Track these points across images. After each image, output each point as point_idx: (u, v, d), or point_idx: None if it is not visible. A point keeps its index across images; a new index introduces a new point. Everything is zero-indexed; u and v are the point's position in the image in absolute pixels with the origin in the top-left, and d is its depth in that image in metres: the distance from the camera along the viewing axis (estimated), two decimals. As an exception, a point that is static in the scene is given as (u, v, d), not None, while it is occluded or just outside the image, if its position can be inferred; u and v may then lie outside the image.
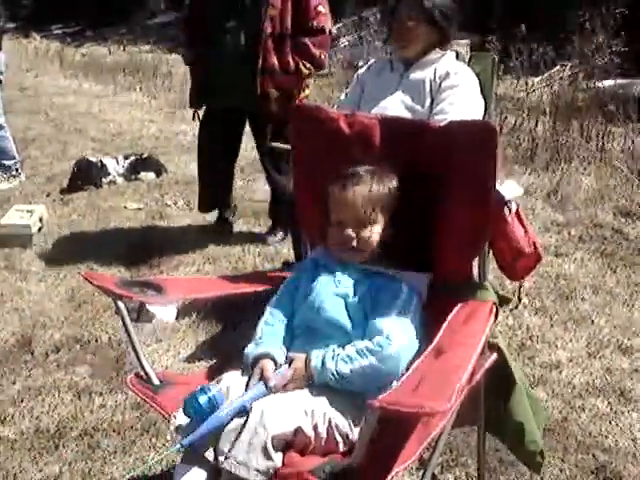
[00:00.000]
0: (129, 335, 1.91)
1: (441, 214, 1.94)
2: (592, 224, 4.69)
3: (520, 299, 3.66)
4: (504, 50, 7.32)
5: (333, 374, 1.78)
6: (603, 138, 6.15)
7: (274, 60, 4.08)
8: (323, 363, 1.80)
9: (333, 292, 1.95)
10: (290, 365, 1.84)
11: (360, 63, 7.55)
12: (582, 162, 5.89)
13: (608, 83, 7.20)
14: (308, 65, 4.12)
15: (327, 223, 2.03)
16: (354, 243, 1.96)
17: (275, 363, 1.87)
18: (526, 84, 7.40)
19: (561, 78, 7.72)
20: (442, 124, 1.94)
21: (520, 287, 3.65)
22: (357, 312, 1.91)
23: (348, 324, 1.90)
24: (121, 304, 1.88)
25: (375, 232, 1.96)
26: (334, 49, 9.63)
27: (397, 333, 1.81)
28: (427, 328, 1.87)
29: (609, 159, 5.89)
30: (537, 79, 7.89)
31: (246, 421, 1.66)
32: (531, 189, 5.27)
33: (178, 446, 1.68)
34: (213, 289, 2.24)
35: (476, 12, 8.19)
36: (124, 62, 12.02)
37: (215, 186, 4.67)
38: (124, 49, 14.26)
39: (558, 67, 7.89)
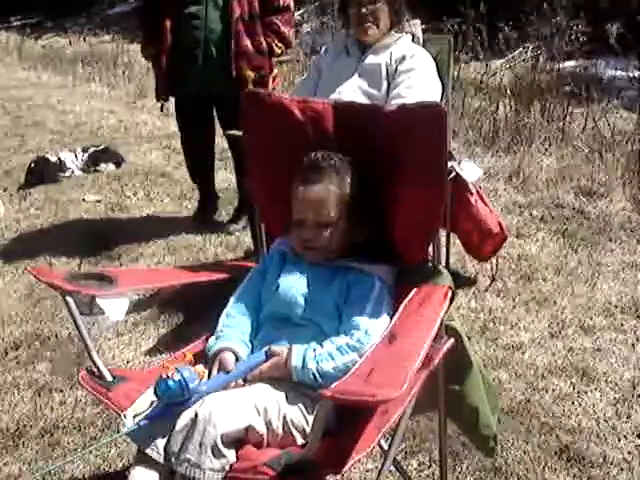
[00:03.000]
0: (79, 330, 1.86)
1: (395, 198, 1.91)
2: (553, 204, 4.70)
3: (494, 278, 3.67)
4: (464, 32, 7.31)
5: (314, 374, 1.75)
6: (564, 119, 6.17)
7: (247, 42, 4.03)
8: (304, 363, 1.77)
9: (304, 287, 1.92)
10: (267, 358, 1.80)
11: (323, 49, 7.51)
12: (543, 143, 5.90)
13: (570, 64, 7.23)
14: (280, 44, 4.11)
15: (287, 214, 1.99)
16: (313, 244, 1.93)
17: (236, 357, 1.84)
18: (486, 66, 7.40)
19: (523, 60, 7.73)
20: (393, 108, 1.91)
21: (497, 265, 3.67)
22: (330, 308, 1.88)
23: (320, 319, 1.87)
24: (70, 299, 1.84)
25: (337, 231, 1.93)
26: (297, 36, 9.56)
27: (375, 327, 1.79)
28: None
29: (570, 140, 5.91)
30: (499, 62, 7.90)
31: (195, 421, 1.62)
32: (493, 171, 5.27)
33: (134, 427, 1.65)
34: (168, 279, 2.21)
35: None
36: (84, 53, 11.82)
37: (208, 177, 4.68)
38: (84, 40, 14.03)
39: (520, 49, 7.91)
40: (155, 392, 1.69)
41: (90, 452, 2.44)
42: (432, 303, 1.77)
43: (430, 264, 1.94)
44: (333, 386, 1.40)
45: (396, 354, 1.53)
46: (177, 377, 1.65)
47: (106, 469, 2.50)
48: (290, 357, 1.78)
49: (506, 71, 7.60)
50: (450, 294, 1.83)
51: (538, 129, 6.12)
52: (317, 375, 1.75)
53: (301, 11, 11.32)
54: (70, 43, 13.53)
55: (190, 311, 3.48)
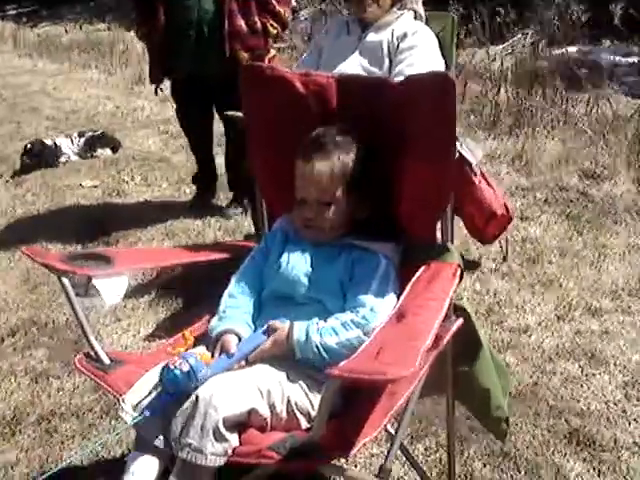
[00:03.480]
0: (75, 312, 1.80)
1: (402, 172, 1.85)
2: (557, 187, 4.64)
3: (505, 258, 3.62)
4: (467, 16, 7.23)
5: (317, 347, 1.69)
6: (567, 103, 6.10)
7: (241, 22, 3.95)
8: (307, 336, 1.71)
9: (308, 265, 1.86)
10: (269, 335, 1.75)
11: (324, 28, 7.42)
12: (546, 126, 5.84)
13: (570, 50, 7.16)
14: (275, 24, 4.04)
15: (289, 192, 1.93)
16: (315, 223, 1.87)
17: (239, 339, 1.78)
18: (487, 53, 7.32)
19: (523, 46, 7.65)
20: (400, 79, 1.84)
21: (507, 244, 3.62)
22: (334, 285, 1.82)
23: (324, 296, 1.81)
24: (65, 280, 1.77)
25: (340, 209, 1.87)
26: (294, 22, 9.47)
27: (381, 305, 1.74)
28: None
29: (573, 123, 5.85)
30: (499, 47, 7.83)
31: (195, 405, 1.56)
32: (495, 154, 5.22)
33: (138, 418, 1.58)
34: (167, 259, 2.15)
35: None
36: (80, 40, 11.73)
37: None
38: (80, 28, 13.93)
39: (519, 35, 7.83)
40: (161, 381, 1.63)
41: (100, 444, 2.37)
42: (441, 281, 1.71)
43: (439, 242, 1.87)
44: (341, 365, 1.34)
45: (406, 333, 1.47)
46: (185, 367, 1.59)
47: (104, 456, 2.45)
48: (292, 331, 1.72)
49: (506, 56, 7.52)
50: (459, 272, 1.77)
51: (540, 112, 6.07)
52: (321, 349, 1.69)
53: (298, -2, 11.23)
54: (66, 31, 13.43)
55: (189, 296, 3.43)
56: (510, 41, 7.79)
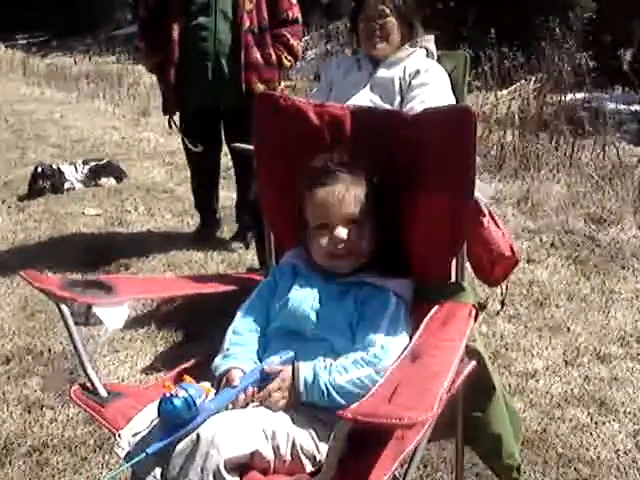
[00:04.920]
0: (73, 341, 1.73)
1: (416, 209, 1.80)
2: (564, 230, 4.60)
3: (504, 302, 3.55)
4: (476, 58, 7.24)
5: (326, 385, 1.60)
6: (573, 147, 6.10)
7: (257, 54, 3.97)
8: (314, 374, 1.62)
9: (317, 302, 1.79)
10: (273, 378, 1.66)
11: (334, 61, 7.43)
12: (552, 170, 5.83)
13: (573, 96, 7.17)
14: (289, 57, 4.07)
15: (301, 224, 1.87)
16: (345, 246, 1.79)
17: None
18: (496, 97, 7.34)
19: (527, 91, 7.68)
20: (417, 112, 1.80)
21: (507, 289, 3.55)
22: (342, 325, 1.75)
23: (331, 335, 1.74)
24: (64, 307, 1.71)
25: (364, 233, 1.80)
26: (301, 62, 9.54)
27: (392, 344, 1.66)
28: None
29: (578, 167, 5.85)
30: (505, 91, 7.85)
31: (196, 444, 1.48)
32: (501, 196, 5.19)
33: (139, 458, 1.48)
34: (170, 289, 2.08)
35: (450, 20, 8.15)
36: (89, 71, 11.84)
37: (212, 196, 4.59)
38: (90, 59, 14.08)
39: (523, 81, 7.86)
40: (159, 412, 1.55)
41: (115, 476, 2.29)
42: (457, 321, 1.64)
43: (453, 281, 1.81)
44: (353, 407, 1.27)
45: (422, 375, 1.40)
46: (182, 394, 1.51)
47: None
48: (298, 371, 1.64)
49: (513, 100, 7.54)
50: (474, 313, 1.71)
51: (546, 156, 6.07)
52: (329, 388, 1.60)
53: (306, 37, 11.31)
54: (75, 62, 13.56)
55: (188, 329, 3.37)
56: (516, 85, 7.82)
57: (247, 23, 3.92)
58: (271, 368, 1.67)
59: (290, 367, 1.66)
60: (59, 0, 18.58)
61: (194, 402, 1.51)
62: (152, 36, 4.10)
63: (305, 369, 1.64)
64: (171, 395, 1.51)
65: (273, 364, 1.69)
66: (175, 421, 1.51)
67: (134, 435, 1.61)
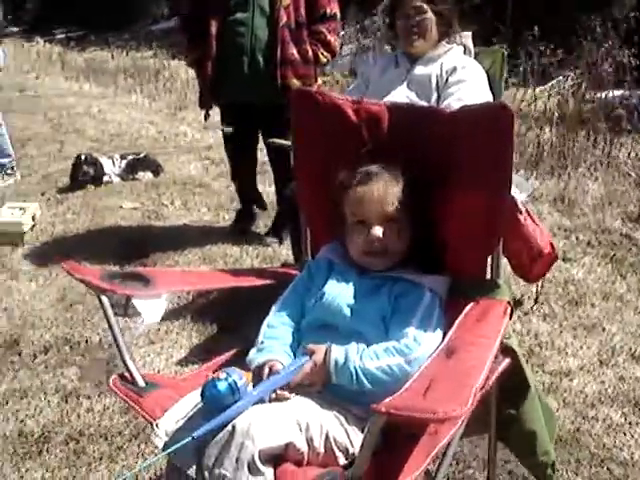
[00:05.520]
0: (113, 332, 1.76)
1: (453, 206, 1.80)
2: (600, 229, 4.56)
3: (537, 299, 3.54)
4: (513, 55, 7.17)
5: (356, 369, 1.63)
6: (610, 145, 6.03)
7: (293, 50, 3.98)
8: (346, 358, 1.65)
9: (351, 296, 1.81)
10: (310, 357, 1.69)
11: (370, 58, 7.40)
12: (589, 168, 5.77)
13: (616, 93, 7.07)
14: (325, 53, 4.06)
15: (338, 220, 1.89)
16: (380, 244, 1.82)
17: (283, 367, 1.72)
18: (534, 94, 7.28)
19: (564, 88, 7.59)
20: (454, 109, 1.80)
21: (541, 286, 3.54)
22: (376, 318, 1.77)
23: (366, 330, 1.75)
24: (105, 298, 1.74)
25: (400, 232, 1.82)
26: (337, 57, 9.52)
27: (424, 337, 1.68)
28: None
29: (616, 165, 5.78)
30: (543, 87, 7.77)
31: (232, 434, 1.50)
32: (537, 194, 5.15)
33: (188, 439, 1.49)
34: (208, 282, 2.10)
35: (486, 15, 8.08)
36: (126, 66, 11.94)
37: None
38: (127, 54, 14.19)
39: (561, 78, 7.77)
40: (202, 396, 1.58)
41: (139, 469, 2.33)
42: (492, 318, 1.65)
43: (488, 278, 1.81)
44: (387, 401, 1.28)
45: (457, 370, 1.41)
46: (227, 378, 1.54)
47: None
48: (330, 352, 1.67)
49: (551, 97, 7.47)
50: (509, 310, 1.71)
51: (583, 154, 6.00)
52: (359, 371, 1.63)
53: (342, 33, 11.28)
54: (112, 57, 13.67)
55: (224, 322, 3.40)
56: (554, 81, 7.73)
57: (284, 19, 3.93)
58: (308, 348, 1.71)
59: (324, 349, 1.69)
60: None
61: (237, 387, 1.54)
62: (193, 31, 4.15)
63: (337, 351, 1.67)
64: (215, 379, 1.54)
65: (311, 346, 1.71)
66: (218, 405, 1.54)
67: (171, 427, 1.63)
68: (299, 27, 3.99)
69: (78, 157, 5.57)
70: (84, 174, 5.48)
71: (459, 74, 3.06)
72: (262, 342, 1.81)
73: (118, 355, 1.83)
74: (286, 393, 1.65)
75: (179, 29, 4.53)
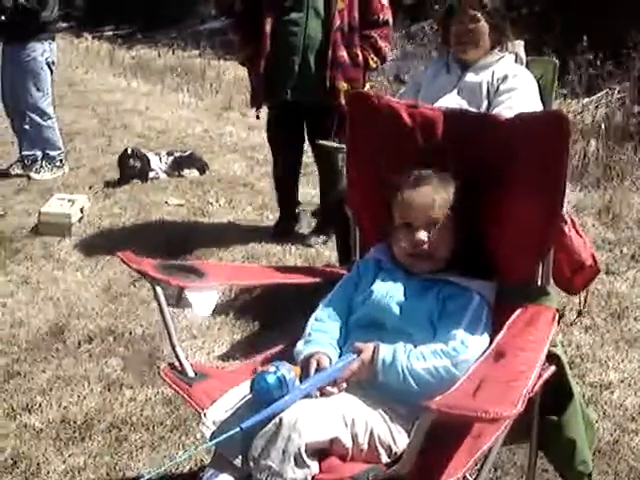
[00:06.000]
0: (165, 322, 1.81)
1: (506, 213, 1.81)
2: (644, 244, 4.51)
3: (581, 312, 3.50)
4: (561, 65, 7.12)
5: (403, 369, 1.66)
6: (658, 159, 5.96)
7: (343, 53, 4.01)
8: (393, 357, 1.68)
9: (400, 295, 1.84)
10: (358, 355, 1.71)
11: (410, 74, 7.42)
12: (634, 182, 5.71)
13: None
14: (375, 58, 4.09)
15: (388, 221, 1.92)
16: (425, 247, 1.84)
17: (330, 361, 1.75)
18: (583, 105, 7.22)
19: (611, 100, 7.52)
20: (509, 116, 1.81)
21: (585, 298, 3.49)
22: (423, 319, 1.79)
23: (414, 330, 1.78)
24: (159, 289, 1.79)
25: (445, 237, 1.84)
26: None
27: (472, 340, 1.70)
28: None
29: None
30: (591, 99, 7.71)
31: (279, 427, 1.53)
32: (581, 206, 5.10)
33: (237, 429, 1.53)
34: (258, 277, 2.14)
35: (536, 24, 8.03)
36: (173, 65, 12.05)
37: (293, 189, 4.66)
38: (173, 53, 14.32)
39: (608, 90, 7.70)
40: (251, 388, 1.61)
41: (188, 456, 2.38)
42: (540, 325, 1.66)
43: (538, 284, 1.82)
44: (437, 399, 1.30)
45: (506, 373, 1.43)
46: (276, 372, 1.57)
47: (173, 471, 2.44)
48: (378, 351, 1.69)
49: (598, 108, 7.41)
50: (557, 317, 1.72)
51: (630, 167, 5.94)
52: (406, 372, 1.65)
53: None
54: (159, 55, 13.81)
55: (266, 319, 3.43)
56: (601, 93, 7.66)
57: (338, 21, 3.97)
58: (356, 346, 1.73)
59: (372, 346, 1.71)
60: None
61: (286, 380, 1.57)
62: (246, 29, 4.21)
63: (385, 350, 1.69)
64: (264, 372, 1.57)
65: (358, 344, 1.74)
66: (267, 398, 1.57)
67: (219, 417, 1.67)
68: (351, 31, 4.02)
69: (125, 151, 5.65)
70: (131, 168, 5.54)
71: (510, 82, 3.06)
72: (310, 334, 1.85)
73: (168, 346, 1.87)
74: (333, 389, 1.67)
75: (231, 27, 4.60)
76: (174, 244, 4.33)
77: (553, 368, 1.74)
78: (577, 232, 3.27)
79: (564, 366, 1.83)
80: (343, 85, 3.99)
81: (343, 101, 3.92)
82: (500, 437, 1.62)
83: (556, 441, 1.93)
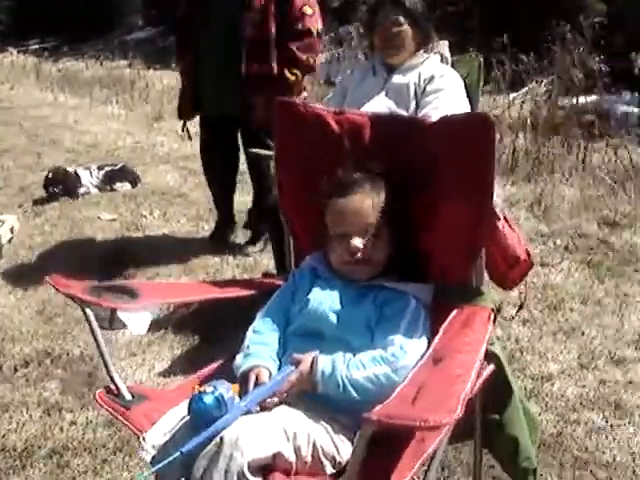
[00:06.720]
0: (98, 346, 1.76)
1: (436, 215, 1.82)
2: (577, 234, 4.60)
3: (522, 305, 3.56)
4: (485, 62, 7.22)
5: (343, 379, 1.64)
6: (585, 150, 6.11)
7: (256, 66, 3.96)
8: (333, 367, 1.66)
9: (337, 303, 1.83)
10: (296, 367, 1.70)
11: (338, 78, 7.45)
12: (564, 173, 5.83)
13: (589, 99, 7.16)
14: (294, 71, 3.98)
15: (321, 228, 1.91)
16: (361, 255, 1.83)
17: (270, 374, 1.74)
18: (509, 101, 7.35)
19: (537, 94, 7.67)
20: (435, 119, 1.82)
21: (525, 292, 3.57)
22: (361, 326, 1.79)
23: (351, 337, 1.77)
24: (89, 312, 1.74)
25: (381, 242, 1.84)
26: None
27: (410, 345, 1.69)
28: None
29: (591, 170, 5.85)
30: (516, 94, 7.85)
31: (220, 446, 1.51)
32: (513, 200, 5.20)
33: (177, 454, 1.49)
34: (194, 293, 2.11)
35: (456, 24, 8.14)
36: (101, 76, 11.88)
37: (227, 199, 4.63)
38: (101, 64, 14.12)
39: (534, 84, 7.85)
40: (189, 410, 1.58)
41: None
42: (476, 325, 1.67)
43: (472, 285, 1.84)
44: (377, 409, 1.29)
45: (444, 377, 1.43)
46: (214, 392, 1.54)
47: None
48: (317, 362, 1.68)
49: (524, 103, 7.54)
50: (493, 317, 1.73)
51: (559, 159, 6.07)
52: (346, 382, 1.64)
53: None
54: (87, 67, 13.61)
55: (205, 333, 3.39)
56: (527, 88, 7.81)
57: (250, 34, 3.92)
58: (294, 358, 1.71)
59: (310, 358, 1.70)
60: (70, 6, 18.67)
61: (224, 400, 1.54)
62: (181, 39, 4.24)
63: (324, 361, 1.68)
64: (201, 393, 1.54)
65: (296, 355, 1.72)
66: (205, 419, 1.54)
67: (158, 440, 1.63)
68: (266, 43, 3.94)
69: (47, 175, 5.56)
70: (55, 193, 5.47)
71: (437, 83, 3.09)
72: (248, 347, 1.83)
73: (104, 368, 1.82)
74: (273, 399, 1.66)
75: (174, 32, 4.56)
76: (109, 260, 4.26)
77: (492, 367, 1.76)
78: (510, 227, 3.32)
79: (502, 364, 1.85)
80: (259, 99, 3.88)
81: (260, 115, 3.85)
82: (444, 439, 1.62)
83: (499, 440, 1.95)
